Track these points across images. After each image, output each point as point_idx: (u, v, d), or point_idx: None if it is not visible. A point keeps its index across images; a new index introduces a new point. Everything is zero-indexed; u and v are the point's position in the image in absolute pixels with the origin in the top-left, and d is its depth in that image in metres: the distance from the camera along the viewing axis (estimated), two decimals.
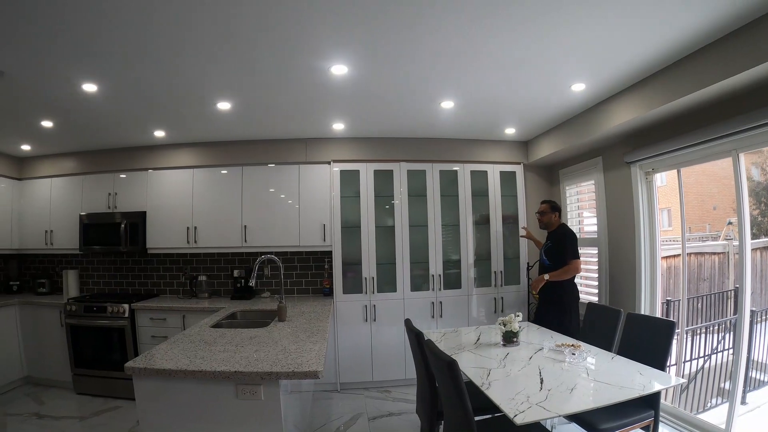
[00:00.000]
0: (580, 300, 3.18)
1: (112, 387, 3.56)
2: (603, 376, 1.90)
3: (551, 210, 3.21)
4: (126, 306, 3.58)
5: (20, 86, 2.53)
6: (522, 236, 3.77)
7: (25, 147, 3.98)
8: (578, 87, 2.68)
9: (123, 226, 3.83)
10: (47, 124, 3.29)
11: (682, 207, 2.84)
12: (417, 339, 2.30)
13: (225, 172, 3.85)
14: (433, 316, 3.76)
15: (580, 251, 3.80)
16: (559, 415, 1.59)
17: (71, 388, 3.71)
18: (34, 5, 1.72)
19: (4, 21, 1.84)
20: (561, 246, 3.07)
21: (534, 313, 3.45)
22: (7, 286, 4.29)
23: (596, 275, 3.55)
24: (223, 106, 2.95)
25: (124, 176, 3.98)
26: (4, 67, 2.28)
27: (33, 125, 3.33)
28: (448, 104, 3.01)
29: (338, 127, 3.54)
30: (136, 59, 2.23)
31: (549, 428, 2.40)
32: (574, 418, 1.97)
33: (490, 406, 1.75)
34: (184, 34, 1.97)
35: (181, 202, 3.86)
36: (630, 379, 1.85)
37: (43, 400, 3.57)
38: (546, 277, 3.04)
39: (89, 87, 2.55)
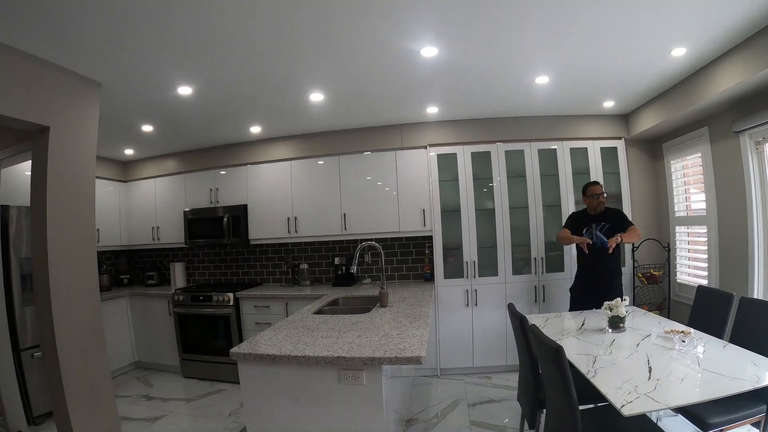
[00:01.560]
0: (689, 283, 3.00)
1: (218, 371, 3.73)
2: (714, 365, 1.74)
3: (603, 190, 3.19)
4: (231, 295, 3.74)
5: (119, 95, 2.68)
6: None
7: (128, 151, 4.27)
8: (678, 51, 2.49)
9: (225, 219, 4.01)
10: (147, 128, 3.50)
11: None
12: (521, 324, 2.21)
13: (322, 162, 3.94)
14: (535, 301, 3.66)
15: (687, 230, 3.64)
16: (668, 407, 1.47)
17: (178, 372, 3.93)
18: (130, 18, 1.82)
19: (101, 37, 1.97)
20: (621, 222, 3.06)
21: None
22: (118, 280, 4.62)
23: (705, 256, 3.31)
24: (316, 98, 3.01)
25: (224, 172, 4.17)
26: (102, 78, 2.43)
27: (134, 131, 3.55)
28: (542, 80, 2.92)
29: (432, 110, 3.53)
30: (230, 60, 2.31)
31: (654, 420, 2.24)
32: (680, 409, 1.83)
33: (593, 395, 1.66)
34: (280, 30, 2.02)
35: (281, 193, 3.99)
36: (742, 369, 1.68)
37: (151, 383, 3.81)
38: (619, 237, 2.86)
39: (184, 90, 2.68)
